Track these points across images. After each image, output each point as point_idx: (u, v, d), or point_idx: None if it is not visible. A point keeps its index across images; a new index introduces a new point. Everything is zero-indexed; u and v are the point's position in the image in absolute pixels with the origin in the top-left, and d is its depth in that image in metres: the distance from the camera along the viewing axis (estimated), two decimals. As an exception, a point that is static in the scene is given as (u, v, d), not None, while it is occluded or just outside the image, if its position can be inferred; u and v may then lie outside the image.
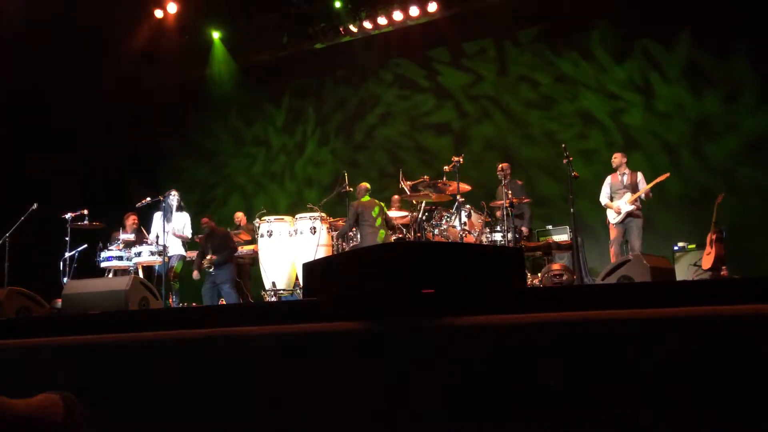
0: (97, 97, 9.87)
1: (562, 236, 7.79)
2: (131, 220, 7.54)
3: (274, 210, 9.30)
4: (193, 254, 8.00)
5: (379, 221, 7.26)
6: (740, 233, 7.45)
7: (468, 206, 6.88)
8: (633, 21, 8.62)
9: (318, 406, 2.48)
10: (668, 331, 2.16)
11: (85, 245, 7.53)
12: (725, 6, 7.95)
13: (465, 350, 2.36)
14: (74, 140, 9.60)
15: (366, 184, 7.52)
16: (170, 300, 7.15)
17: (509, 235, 6.53)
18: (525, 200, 7.17)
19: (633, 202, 6.94)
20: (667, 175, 6.90)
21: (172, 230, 7.06)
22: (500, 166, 7.38)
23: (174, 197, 7.27)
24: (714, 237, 6.87)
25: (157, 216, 7.23)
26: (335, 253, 7.23)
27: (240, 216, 8.83)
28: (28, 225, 7.15)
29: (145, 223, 7.72)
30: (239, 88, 10.99)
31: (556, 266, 5.93)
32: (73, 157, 9.62)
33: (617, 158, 7.18)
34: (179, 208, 7.31)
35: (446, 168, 6.78)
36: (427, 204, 7.04)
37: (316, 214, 7.20)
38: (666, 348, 2.15)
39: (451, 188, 6.86)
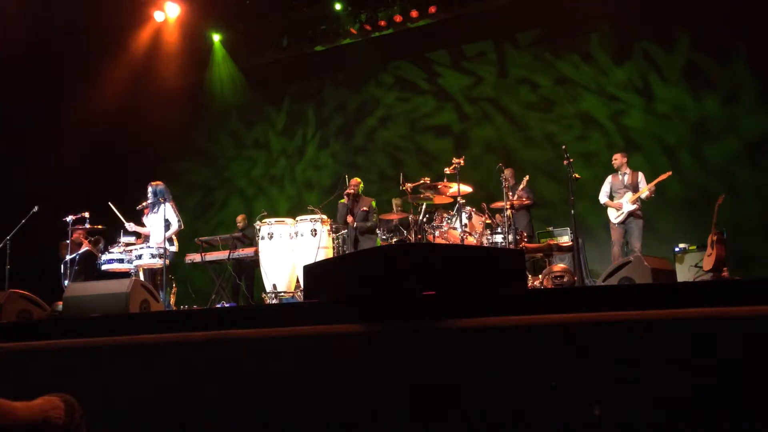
0: (98, 100, 9.89)
1: (562, 238, 7.78)
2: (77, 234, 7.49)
3: (274, 213, 9.29)
4: (194, 256, 8.00)
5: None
6: (741, 235, 7.45)
7: (468, 208, 6.88)
8: (632, 23, 8.63)
9: (319, 407, 2.48)
10: (669, 333, 2.16)
11: (86, 248, 7.54)
12: (724, 8, 7.96)
13: (466, 352, 2.36)
14: (75, 143, 9.61)
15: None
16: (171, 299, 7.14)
17: (510, 237, 6.52)
18: (525, 202, 7.18)
19: (634, 202, 6.96)
20: (669, 173, 6.91)
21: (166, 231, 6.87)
22: (503, 172, 7.37)
23: (150, 192, 7.03)
24: (715, 238, 6.86)
25: (153, 217, 7.14)
26: (336, 255, 7.22)
27: (240, 218, 8.84)
28: (29, 228, 7.15)
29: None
30: (239, 91, 11.00)
31: (557, 268, 5.92)
32: (74, 159, 9.63)
33: (618, 159, 7.23)
34: (160, 201, 6.84)
35: (447, 170, 6.78)
36: (427, 206, 7.04)
37: (316, 216, 7.19)
38: (667, 349, 2.15)
39: (451, 190, 6.86)
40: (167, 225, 6.81)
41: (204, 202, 11.41)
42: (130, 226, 7.09)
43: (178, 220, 6.94)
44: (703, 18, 8.18)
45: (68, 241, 7.38)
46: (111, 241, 7.39)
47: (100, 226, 7.46)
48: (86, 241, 7.57)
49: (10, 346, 3.06)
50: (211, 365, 2.70)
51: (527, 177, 7.39)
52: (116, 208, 7.07)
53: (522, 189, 7.15)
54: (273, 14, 10.00)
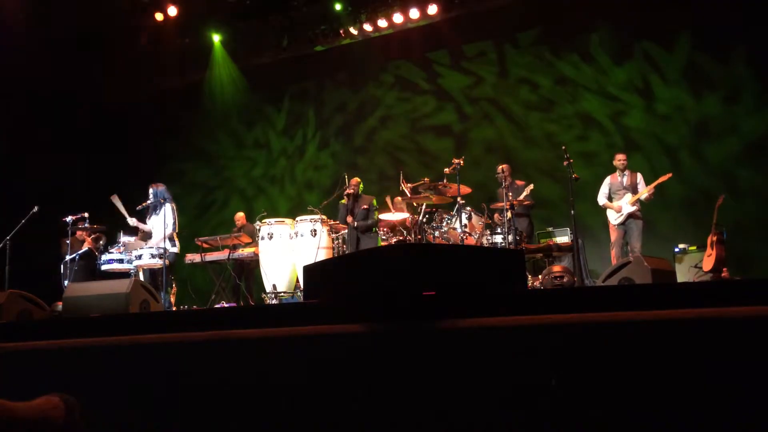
0: (98, 100, 9.89)
1: (562, 238, 7.78)
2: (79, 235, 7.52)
3: (275, 213, 9.29)
4: (194, 256, 7.99)
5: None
6: (741, 235, 7.45)
7: (468, 208, 6.89)
8: (633, 23, 8.62)
9: (319, 408, 2.48)
10: (669, 333, 2.16)
11: (86, 248, 7.55)
12: (725, 8, 7.96)
13: (466, 352, 2.36)
14: (75, 143, 9.62)
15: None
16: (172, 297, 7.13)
17: (510, 237, 6.53)
18: (525, 202, 7.18)
19: (634, 203, 6.97)
20: (670, 175, 6.92)
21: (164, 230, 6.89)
22: (500, 167, 7.40)
23: (151, 193, 7.08)
24: (715, 239, 6.86)
25: (155, 219, 7.15)
26: (335, 255, 7.22)
27: (239, 217, 8.84)
28: (29, 228, 7.16)
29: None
30: (239, 91, 11.01)
31: (556, 268, 5.92)
32: (74, 159, 9.64)
33: (622, 160, 7.20)
34: (160, 202, 6.94)
35: (447, 170, 6.79)
36: (427, 206, 7.05)
37: (316, 217, 7.20)
38: (667, 350, 2.15)
39: (451, 190, 6.87)
40: (166, 226, 6.87)
41: (204, 202, 11.41)
42: (132, 221, 7.11)
43: (174, 223, 6.99)
44: (703, 18, 8.18)
45: (69, 240, 7.40)
46: (111, 240, 7.40)
47: (96, 225, 7.47)
48: (89, 239, 7.59)
49: (10, 346, 3.06)
50: (211, 365, 2.70)
51: (531, 186, 7.35)
52: (120, 203, 7.07)
53: (524, 195, 7.16)
54: (273, 14, 10.00)
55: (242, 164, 11.37)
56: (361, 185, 7.46)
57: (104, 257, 6.81)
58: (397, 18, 9.39)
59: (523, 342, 2.30)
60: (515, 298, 2.51)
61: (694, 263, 7.28)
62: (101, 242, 7.59)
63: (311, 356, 2.54)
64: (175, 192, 8.12)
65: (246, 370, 2.63)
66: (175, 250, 7.11)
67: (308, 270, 3.03)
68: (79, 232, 7.52)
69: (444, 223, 6.81)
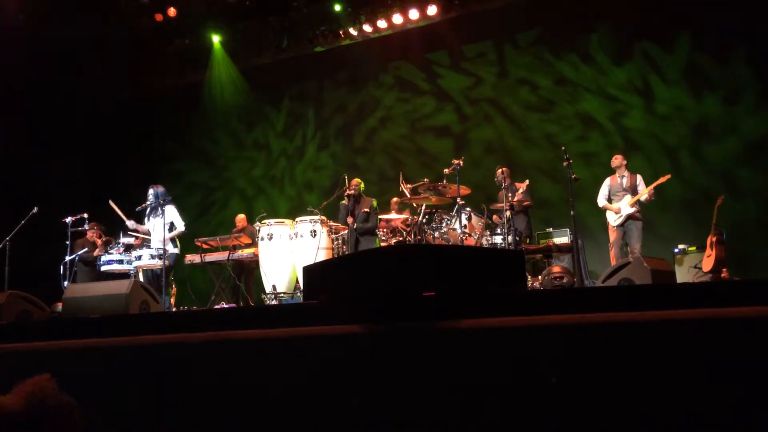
0: (98, 100, 9.89)
1: (562, 239, 7.78)
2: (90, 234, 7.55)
3: (275, 214, 9.29)
4: (194, 257, 7.99)
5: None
6: (741, 235, 7.45)
7: (468, 209, 6.88)
8: (633, 23, 8.62)
9: (319, 408, 2.48)
10: (669, 334, 2.16)
11: (86, 249, 7.55)
12: (724, 8, 7.96)
13: (465, 353, 2.36)
14: (75, 143, 9.62)
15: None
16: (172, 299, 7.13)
17: (509, 238, 6.53)
18: (525, 203, 7.18)
19: (633, 205, 6.96)
20: (669, 176, 6.91)
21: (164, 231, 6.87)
22: (498, 170, 7.40)
23: (150, 194, 7.09)
24: (714, 239, 6.86)
25: (155, 221, 7.14)
26: (335, 256, 7.22)
27: (240, 219, 8.83)
28: (29, 229, 7.16)
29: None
30: (239, 92, 11.00)
31: (556, 269, 5.93)
32: (74, 159, 9.64)
33: (617, 159, 7.24)
34: (160, 204, 6.87)
35: (446, 171, 6.78)
36: (427, 207, 7.04)
37: (316, 217, 7.19)
38: (667, 350, 2.15)
39: (451, 191, 6.87)
40: (172, 226, 6.89)
41: (204, 203, 11.41)
42: (131, 224, 7.11)
43: (184, 224, 7.03)
44: (703, 18, 8.18)
45: (80, 240, 7.41)
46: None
47: (97, 226, 7.49)
48: (99, 241, 7.59)
49: (10, 346, 3.06)
50: (211, 366, 2.70)
51: (527, 181, 7.37)
52: (116, 207, 7.10)
53: (522, 192, 7.16)
54: (273, 14, 9.99)
55: (242, 165, 11.36)
56: (362, 185, 7.45)
57: (104, 258, 6.81)
58: (397, 19, 9.37)
59: (523, 342, 2.30)
60: (515, 298, 2.51)
61: (694, 264, 7.28)
62: (109, 246, 7.61)
63: (311, 357, 2.54)
64: (175, 192, 8.11)
65: (246, 371, 2.63)
66: (176, 251, 7.11)
67: (308, 271, 3.03)
68: (89, 233, 7.53)
69: (444, 224, 6.81)
